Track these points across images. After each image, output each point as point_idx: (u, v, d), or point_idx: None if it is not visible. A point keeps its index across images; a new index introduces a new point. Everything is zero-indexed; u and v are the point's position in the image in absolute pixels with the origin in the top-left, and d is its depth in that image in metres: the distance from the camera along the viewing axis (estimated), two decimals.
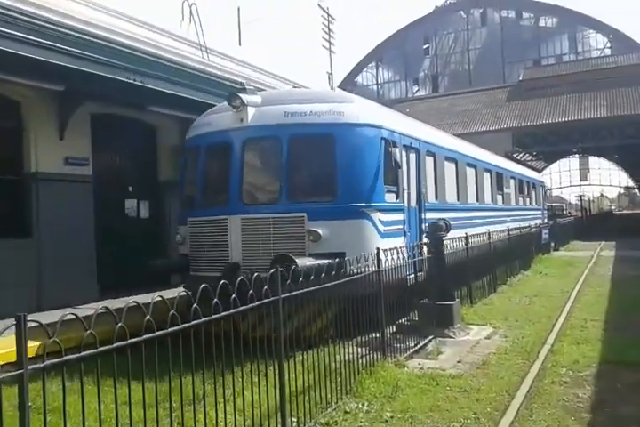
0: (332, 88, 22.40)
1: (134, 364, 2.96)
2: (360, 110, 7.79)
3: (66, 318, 2.58)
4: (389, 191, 7.96)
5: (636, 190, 70.13)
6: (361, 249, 6.42)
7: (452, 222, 9.34)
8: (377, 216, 7.47)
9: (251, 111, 7.43)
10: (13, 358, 2.42)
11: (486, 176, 14.13)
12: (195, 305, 3.34)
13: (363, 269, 5.79)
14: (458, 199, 11.51)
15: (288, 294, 4.36)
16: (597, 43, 51.62)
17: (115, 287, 9.29)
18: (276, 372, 4.19)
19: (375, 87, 58.14)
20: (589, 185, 62.86)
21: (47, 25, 7.55)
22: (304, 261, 6.09)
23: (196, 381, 3.47)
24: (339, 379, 5.06)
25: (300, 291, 4.53)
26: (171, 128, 11.63)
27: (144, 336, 3.02)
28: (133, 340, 2.95)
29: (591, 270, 15.00)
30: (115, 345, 2.84)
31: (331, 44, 23.89)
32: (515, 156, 36.13)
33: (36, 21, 7.42)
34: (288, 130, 7.30)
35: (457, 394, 5.22)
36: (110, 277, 9.94)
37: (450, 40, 56.24)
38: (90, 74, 8.06)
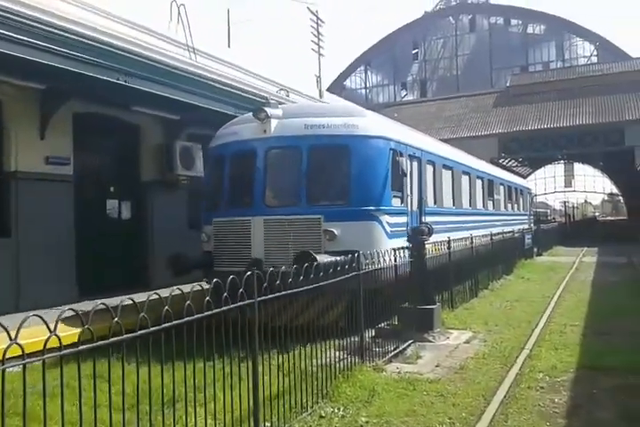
0: (320, 91, 22.43)
1: (101, 367, 2.92)
2: (372, 124, 8.63)
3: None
4: (395, 196, 8.78)
5: (620, 197, 70.90)
6: (371, 247, 7.04)
7: (448, 225, 11.00)
8: (385, 219, 8.24)
9: (274, 123, 8.22)
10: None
11: (479, 183, 14.96)
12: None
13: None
14: (453, 204, 12.31)
15: (263, 298, 4.33)
16: (584, 50, 52.20)
17: (94, 288, 9.17)
18: (250, 375, 4.15)
19: (364, 91, 58.30)
20: (574, 191, 63.43)
21: (34, 24, 7.44)
22: (322, 258, 6.50)
23: (168, 384, 3.44)
24: (315, 383, 5.02)
25: (275, 295, 4.50)
26: (154, 128, 11.55)
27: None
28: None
29: (573, 276, 15.11)
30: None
31: (320, 47, 23.91)
32: (501, 161, 36.39)
33: (22, 20, 7.31)
34: (308, 141, 8.10)
35: (433, 399, 5.21)
36: (90, 278, 9.83)
37: (439, 45, 56.59)
38: (76, 73, 7.97)
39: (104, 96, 9.70)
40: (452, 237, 9.96)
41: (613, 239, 32.71)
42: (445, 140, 22.14)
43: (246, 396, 4.10)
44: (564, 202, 55.41)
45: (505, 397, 5.21)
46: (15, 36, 7.14)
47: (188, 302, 3.53)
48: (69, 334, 3.32)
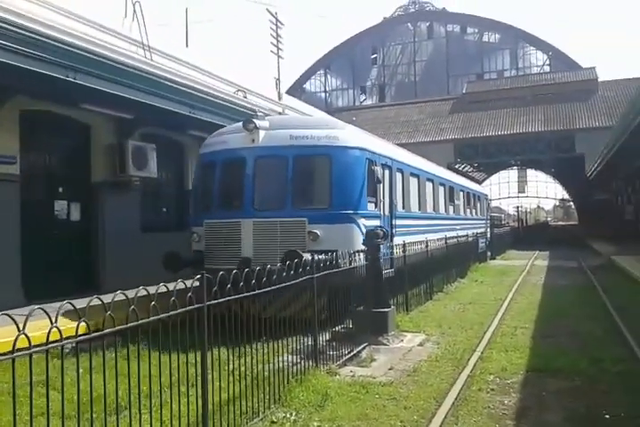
0: (279, 94, 22.33)
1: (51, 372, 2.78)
2: (350, 136, 9.42)
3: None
4: (370, 201, 9.54)
5: (571, 203, 73.20)
6: (349, 247, 7.86)
7: (414, 228, 12.04)
8: (361, 221, 8.93)
9: (261, 134, 8.95)
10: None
11: (441, 189, 15.88)
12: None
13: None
14: (419, 209, 13.21)
15: (213, 302, 4.24)
16: (537, 60, 53.78)
17: (41, 292, 8.82)
18: (199, 380, 4.04)
19: (323, 95, 58.51)
20: (527, 197, 65.15)
21: None
22: (307, 256, 6.80)
23: (120, 391, 3.31)
24: (268, 388, 4.94)
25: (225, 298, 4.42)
26: (106, 127, 11.22)
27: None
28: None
29: (524, 279, 15.46)
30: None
31: (279, 49, 23.82)
32: (457, 166, 37.08)
33: None
34: (293, 150, 8.85)
35: (386, 402, 5.20)
36: (37, 282, 9.47)
37: (397, 51, 57.34)
38: (19, 68, 7.65)
39: (52, 93, 9.36)
40: (418, 239, 11.11)
41: (565, 244, 33.70)
42: (403, 145, 22.41)
43: (198, 403, 3.99)
44: (517, 207, 56.81)
45: (456, 399, 5.24)
46: None
47: (133, 306, 3.41)
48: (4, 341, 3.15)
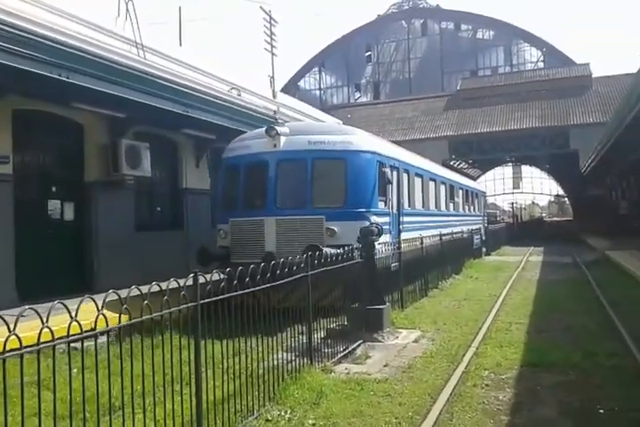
0: (273, 92, 22.29)
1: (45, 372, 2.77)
2: (363, 141, 10.27)
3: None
4: (381, 200, 10.46)
5: (566, 199, 73.40)
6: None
7: (418, 224, 12.97)
8: (373, 218, 9.66)
9: (282, 139, 9.76)
10: None
11: (442, 188, 16.84)
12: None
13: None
14: (423, 206, 14.25)
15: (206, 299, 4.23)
16: (531, 56, 53.74)
17: (35, 292, 8.79)
18: (193, 379, 4.04)
19: (318, 92, 58.40)
20: (522, 193, 65.33)
21: None
22: (327, 250, 7.47)
23: (114, 390, 3.31)
24: (262, 386, 4.94)
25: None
26: (99, 126, 11.17)
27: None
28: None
29: (519, 275, 15.50)
30: None
31: (273, 47, 23.76)
32: (452, 163, 37.09)
33: None
34: (312, 154, 9.67)
35: (380, 399, 5.21)
36: (30, 281, 9.44)
37: (391, 48, 57.24)
38: (11, 67, 7.62)
39: (45, 92, 9.33)
40: (422, 235, 11.98)
41: (559, 239, 33.80)
42: (398, 142, 22.41)
43: (192, 401, 3.99)
44: (512, 203, 56.97)
45: (451, 395, 5.25)
46: None
47: (125, 305, 3.40)
48: None
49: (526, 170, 62.33)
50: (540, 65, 51.11)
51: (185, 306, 3.98)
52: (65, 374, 3.05)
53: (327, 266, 6.54)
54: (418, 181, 13.82)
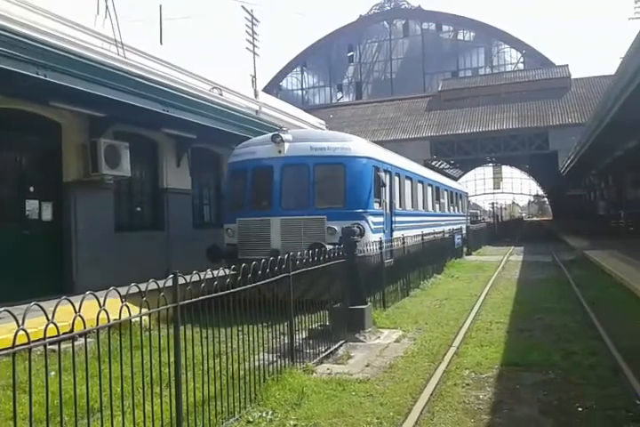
0: (255, 91, 22.23)
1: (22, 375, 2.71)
2: (359, 147, 11.09)
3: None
4: (376, 202, 11.29)
5: (546, 199, 74.28)
6: (361, 239, 9.19)
7: (408, 224, 13.91)
8: (370, 218, 10.63)
9: (286, 145, 10.61)
10: None
11: (429, 189, 17.94)
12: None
13: None
14: (412, 207, 15.20)
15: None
16: (511, 57, 54.39)
17: (11, 293, 8.64)
18: (172, 380, 3.99)
19: (300, 92, 58.39)
20: (502, 193, 65.96)
21: None
22: (328, 247, 8.06)
23: (92, 393, 3.25)
24: (244, 387, 4.91)
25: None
26: (78, 125, 11.00)
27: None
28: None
29: (500, 274, 15.62)
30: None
31: (255, 46, 23.69)
32: (433, 163, 37.33)
33: None
34: (313, 159, 10.50)
35: (362, 399, 5.21)
36: (8, 282, 9.27)
37: (373, 49, 57.49)
38: None
39: (22, 91, 9.17)
40: (411, 233, 12.98)
41: (539, 239, 34.15)
42: (380, 142, 22.57)
43: (172, 403, 3.94)
44: (493, 203, 57.48)
45: (432, 395, 5.26)
46: None
47: (104, 307, 3.35)
48: None
49: (507, 170, 63.02)
50: (520, 66, 51.73)
51: (164, 307, 3.95)
52: (43, 377, 2.99)
53: (308, 266, 6.52)
54: (407, 183, 14.68)
